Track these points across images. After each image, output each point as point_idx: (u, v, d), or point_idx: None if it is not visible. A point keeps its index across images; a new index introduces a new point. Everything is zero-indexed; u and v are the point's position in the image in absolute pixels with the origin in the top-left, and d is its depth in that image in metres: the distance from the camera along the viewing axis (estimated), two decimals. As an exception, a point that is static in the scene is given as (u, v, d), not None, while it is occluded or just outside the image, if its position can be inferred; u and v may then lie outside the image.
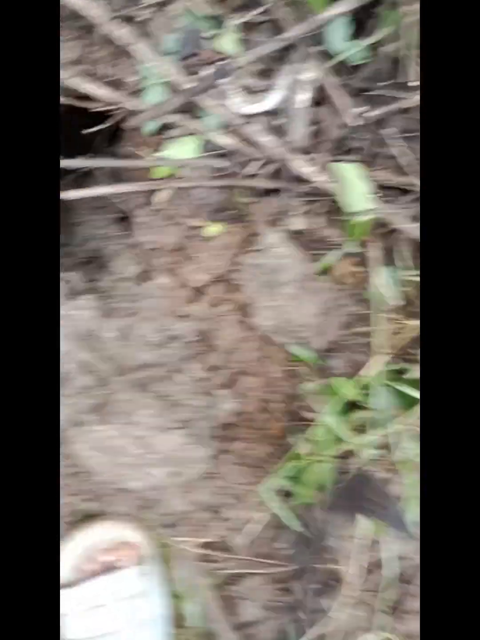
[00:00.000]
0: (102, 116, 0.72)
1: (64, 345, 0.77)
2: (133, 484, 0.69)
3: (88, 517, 0.76)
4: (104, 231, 1.01)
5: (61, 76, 0.66)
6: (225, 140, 0.68)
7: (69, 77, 0.67)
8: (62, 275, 0.85)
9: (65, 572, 0.74)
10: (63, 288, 0.81)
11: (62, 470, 0.73)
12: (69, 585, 0.74)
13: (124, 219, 1.03)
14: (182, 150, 0.68)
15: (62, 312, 0.78)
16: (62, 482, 0.73)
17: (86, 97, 0.70)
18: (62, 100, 0.70)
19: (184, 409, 0.67)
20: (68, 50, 0.67)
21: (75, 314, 0.78)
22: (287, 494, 0.73)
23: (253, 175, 0.69)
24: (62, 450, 0.73)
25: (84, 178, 0.97)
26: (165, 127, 0.70)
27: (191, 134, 0.69)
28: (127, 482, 0.70)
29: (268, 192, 0.70)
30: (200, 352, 0.74)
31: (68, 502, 0.74)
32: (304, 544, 0.75)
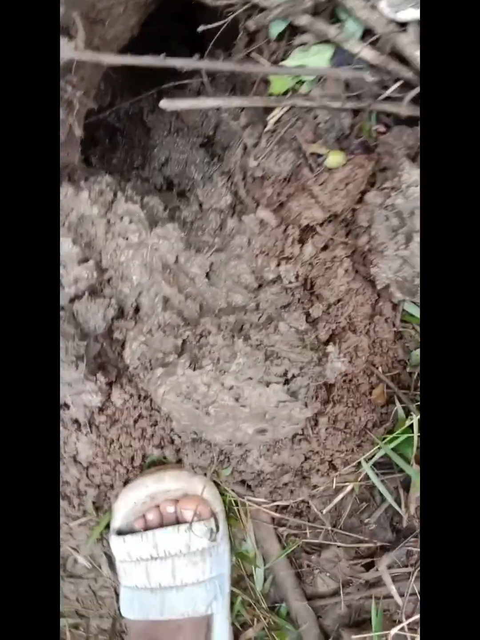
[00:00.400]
0: (221, 12, 0.61)
1: (143, 277, 0.70)
2: (215, 436, 0.63)
3: (159, 464, 0.71)
4: (187, 155, 0.92)
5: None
6: (366, 53, 0.57)
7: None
8: (144, 200, 0.76)
9: (126, 517, 0.70)
10: (141, 214, 0.73)
11: (138, 411, 0.67)
12: (129, 531, 0.70)
13: (210, 144, 0.94)
14: (311, 61, 0.57)
15: (143, 239, 0.70)
16: (136, 425, 0.67)
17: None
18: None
19: (283, 362, 0.59)
20: None
21: (157, 243, 0.70)
22: (386, 466, 0.67)
23: (395, 98, 0.58)
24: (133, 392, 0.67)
25: (185, 89, 0.87)
26: (295, 31, 0.59)
27: (325, 42, 0.58)
28: (209, 434, 0.63)
29: (410, 121, 0.59)
30: (302, 300, 0.65)
31: (139, 446, 0.68)
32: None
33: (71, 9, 0.59)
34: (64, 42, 0.57)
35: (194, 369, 0.58)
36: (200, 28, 0.57)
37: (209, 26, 0.58)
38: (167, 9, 0.75)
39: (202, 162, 0.88)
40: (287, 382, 0.58)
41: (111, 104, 0.96)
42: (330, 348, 0.59)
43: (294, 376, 0.58)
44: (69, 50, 0.54)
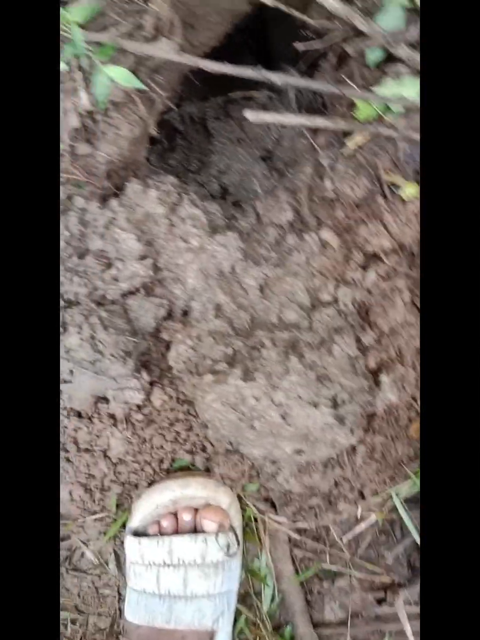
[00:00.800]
0: (317, 32, 0.61)
1: (198, 281, 0.70)
2: (253, 451, 0.63)
3: (186, 470, 0.70)
4: (246, 166, 0.92)
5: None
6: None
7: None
8: (204, 204, 0.77)
9: (145, 519, 0.69)
10: (204, 219, 0.73)
11: (175, 414, 0.66)
12: (145, 533, 0.69)
13: (270, 158, 0.94)
14: (403, 91, 0.58)
15: (203, 245, 0.70)
16: (172, 427, 0.67)
17: (307, 5, 0.60)
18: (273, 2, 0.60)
19: (334, 386, 0.59)
20: None
21: (216, 250, 0.70)
22: (414, 502, 0.66)
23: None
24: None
25: (251, 100, 0.88)
26: (391, 61, 0.59)
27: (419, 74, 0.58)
28: (247, 447, 0.63)
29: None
30: (354, 326, 0.65)
31: (170, 450, 0.68)
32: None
33: (173, 11, 0.60)
34: (163, 42, 0.58)
35: (245, 381, 0.58)
36: (300, 46, 0.58)
37: (310, 46, 0.58)
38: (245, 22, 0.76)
39: (262, 175, 0.89)
40: (335, 406, 0.58)
41: (177, 105, 0.97)
42: (383, 378, 0.59)
43: (343, 401, 0.58)
44: (169, 51, 0.54)
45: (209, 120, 0.97)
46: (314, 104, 0.92)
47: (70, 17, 0.54)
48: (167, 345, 0.69)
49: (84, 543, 0.78)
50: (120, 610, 0.77)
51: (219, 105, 0.97)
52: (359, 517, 0.67)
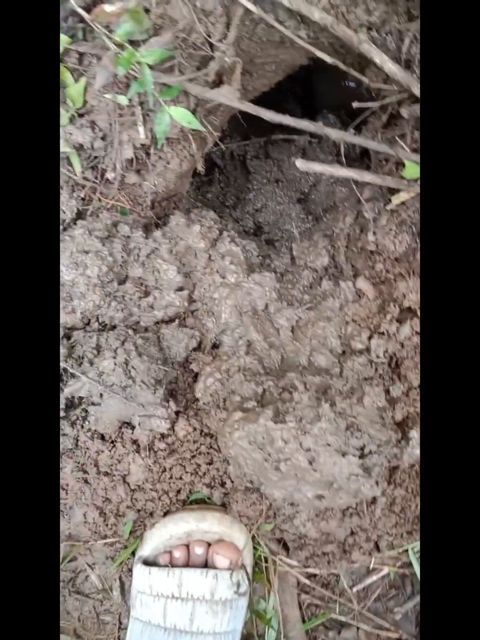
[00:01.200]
0: (371, 94, 0.64)
1: (231, 317, 0.71)
2: (274, 492, 0.63)
3: (202, 503, 0.70)
4: (283, 207, 0.94)
5: (354, 39, 0.58)
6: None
7: (359, 42, 0.59)
8: (242, 242, 0.78)
9: (157, 548, 0.69)
10: (242, 256, 0.75)
11: (197, 446, 0.67)
12: (154, 563, 0.69)
13: (305, 201, 0.97)
14: (452, 156, 0.60)
15: (239, 281, 0.72)
16: (193, 459, 0.67)
17: (364, 66, 0.62)
18: (333, 60, 0.62)
19: (363, 437, 0.60)
20: (369, 12, 0.59)
21: (251, 288, 0.72)
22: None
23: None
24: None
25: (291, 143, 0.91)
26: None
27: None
28: (268, 488, 0.63)
29: None
30: (384, 377, 0.66)
31: (189, 481, 0.68)
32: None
33: (236, 58, 0.62)
34: (225, 88, 0.60)
35: (276, 423, 0.59)
36: (356, 105, 0.60)
37: (365, 105, 0.60)
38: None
39: (297, 217, 0.91)
40: (362, 456, 0.59)
41: (221, 140, 1.00)
42: (413, 433, 0.59)
43: (370, 452, 0.59)
44: (232, 98, 0.57)
45: (248, 159, 1.00)
46: (351, 153, 0.94)
47: (143, 59, 0.56)
48: (195, 377, 0.70)
49: (89, 566, 0.77)
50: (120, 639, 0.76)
51: (259, 145, 1.00)
52: (370, 568, 0.67)
